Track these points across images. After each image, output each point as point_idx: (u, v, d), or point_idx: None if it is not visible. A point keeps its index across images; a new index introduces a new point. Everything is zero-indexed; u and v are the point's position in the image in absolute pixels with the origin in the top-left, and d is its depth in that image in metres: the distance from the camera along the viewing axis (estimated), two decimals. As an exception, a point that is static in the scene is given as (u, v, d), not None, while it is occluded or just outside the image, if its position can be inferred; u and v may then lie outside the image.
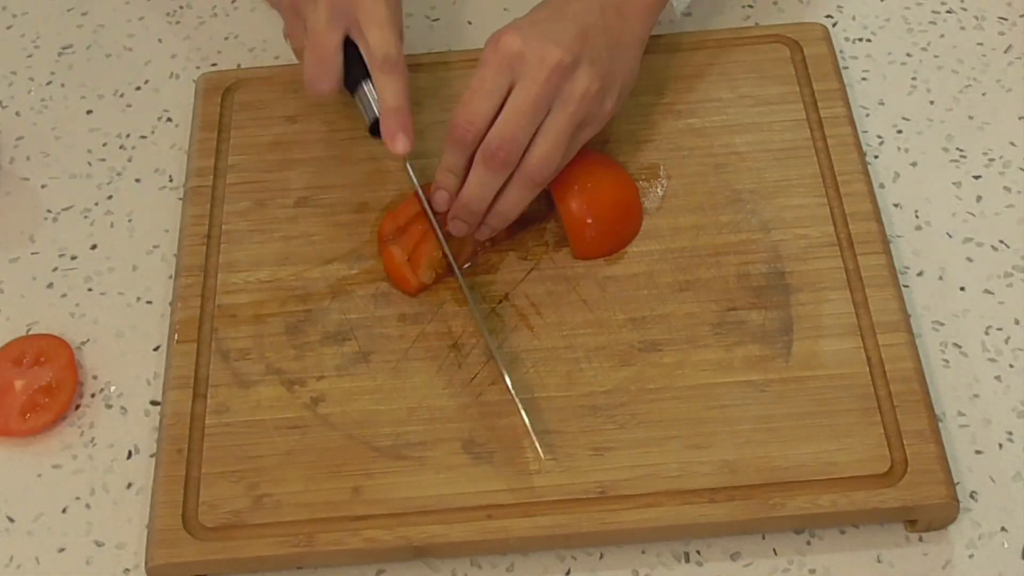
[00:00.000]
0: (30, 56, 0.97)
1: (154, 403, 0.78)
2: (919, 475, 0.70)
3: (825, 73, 0.87)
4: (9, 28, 0.99)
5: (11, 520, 0.75)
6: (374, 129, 0.79)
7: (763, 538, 0.72)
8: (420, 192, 0.79)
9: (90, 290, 0.84)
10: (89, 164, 0.90)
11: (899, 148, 0.87)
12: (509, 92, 0.73)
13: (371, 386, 0.75)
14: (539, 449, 0.71)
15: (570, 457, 0.72)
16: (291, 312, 0.79)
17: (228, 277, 0.80)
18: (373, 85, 0.78)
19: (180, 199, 0.86)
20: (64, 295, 0.84)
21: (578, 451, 0.72)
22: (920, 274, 0.81)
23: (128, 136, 0.92)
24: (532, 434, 0.71)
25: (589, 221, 0.78)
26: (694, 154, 0.84)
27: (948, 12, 0.94)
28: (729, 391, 0.74)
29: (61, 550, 0.74)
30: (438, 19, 0.97)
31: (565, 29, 0.74)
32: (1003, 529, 0.71)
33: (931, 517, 0.70)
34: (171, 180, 0.89)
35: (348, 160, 0.86)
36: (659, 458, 0.71)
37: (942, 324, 0.79)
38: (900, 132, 0.88)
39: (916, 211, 0.84)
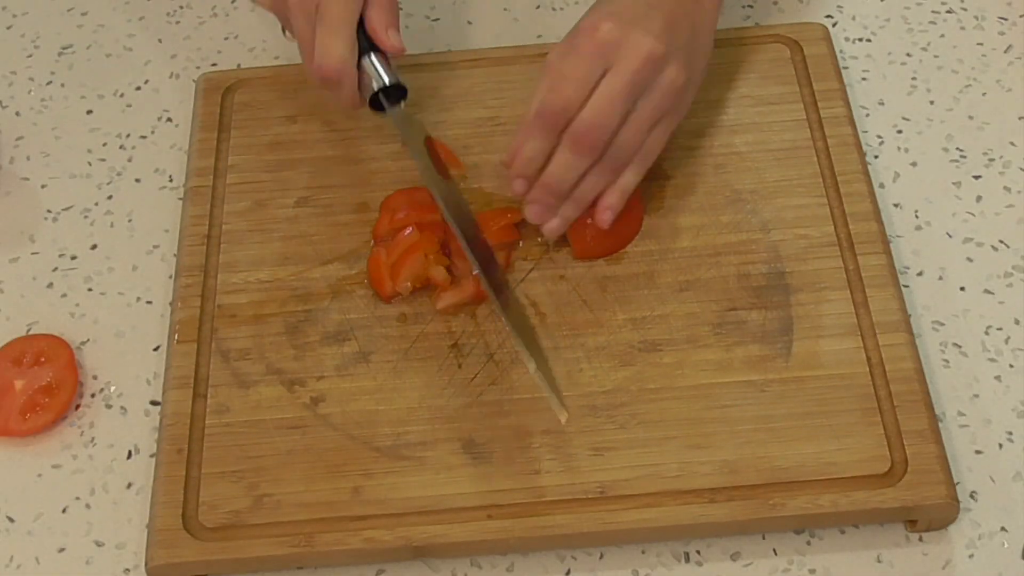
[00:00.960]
0: (30, 56, 0.97)
1: (154, 403, 0.78)
2: (919, 475, 0.70)
3: (825, 73, 0.87)
4: (9, 28, 0.99)
5: (11, 520, 0.75)
6: (374, 101, 0.79)
7: (763, 538, 0.72)
8: (447, 215, 0.77)
9: (90, 290, 0.84)
10: (89, 164, 0.90)
11: (899, 148, 0.87)
12: (599, 80, 0.73)
13: (371, 386, 0.75)
14: (562, 408, 0.69)
15: (570, 457, 0.72)
16: (291, 312, 0.79)
17: (228, 277, 0.80)
18: (373, 59, 0.77)
19: (180, 199, 0.86)
20: (64, 295, 0.84)
21: (578, 451, 0.72)
22: (920, 274, 0.81)
23: (128, 136, 0.92)
24: (555, 396, 0.70)
25: (589, 221, 0.78)
26: (694, 154, 0.84)
27: (948, 12, 0.94)
28: (729, 391, 0.74)
29: (61, 550, 0.74)
30: (438, 19, 0.97)
31: (656, 18, 0.74)
32: (1003, 529, 0.71)
33: (931, 517, 0.70)
34: (171, 180, 0.89)
35: (348, 160, 0.86)
36: (659, 458, 0.71)
37: (942, 324, 0.79)
38: (900, 132, 0.88)
39: (916, 211, 0.84)
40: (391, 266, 0.78)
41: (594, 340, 0.76)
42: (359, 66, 0.78)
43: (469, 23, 0.97)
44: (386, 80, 0.78)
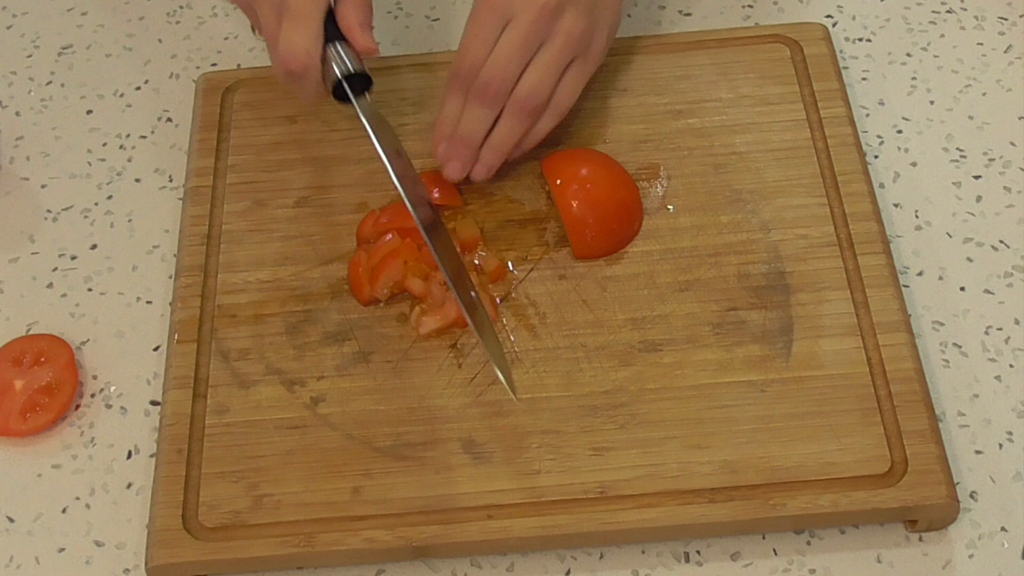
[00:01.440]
0: (30, 56, 0.97)
1: (154, 403, 0.78)
2: (919, 475, 0.70)
3: (825, 73, 0.87)
4: (9, 28, 0.99)
5: (11, 520, 0.75)
6: (337, 91, 0.77)
7: (763, 538, 0.72)
8: (420, 226, 0.76)
9: (90, 290, 0.84)
10: (89, 164, 0.90)
11: (899, 148, 0.87)
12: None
13: (371, 386, 0.75)
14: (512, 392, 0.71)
15: (570, 457, 0.72)
16: (291, 312, 0.79)
17: (228, 277, 0.80)
18: (338, 48, 0.76)
19: (180, 199, 0.86)
20: (64, 295, 0.84)
21: (578, 451, 0.72)
22: (920, 274, 0.81)
23: (128, 136, 0.92)
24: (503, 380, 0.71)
25: (589, 221, 0.78)
26: (694, 154, 0.84)
27: (948, 12, 0.94)
28: (729, 391, 0.74)
29: (61, 550, 0.74)
30: (438, 19, 0.97)
31: None
32: (1003, 529, 0.71)
33: (931, 517, 0.70)
34: (171, 180, 0.89)
35: (348, 160, 0.86)
36: (659, 458, 0.71)
37: (942, 324, 0.79)
38: (900, 132, 0.88)
39: (916, 211, 0.84)
40: (370, 271, 0.78)
41: (594, 340, 0.76)
42: (323, 58, 0.77)
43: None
44: (351, 67, 0.76)
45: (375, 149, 0.77)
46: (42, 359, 0.79)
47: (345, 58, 0.76)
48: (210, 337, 0.78)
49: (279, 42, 0.75)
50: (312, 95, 0.78)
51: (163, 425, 0.75)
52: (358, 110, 0.77)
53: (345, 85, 0.76)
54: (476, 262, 0.79)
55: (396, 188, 0.76)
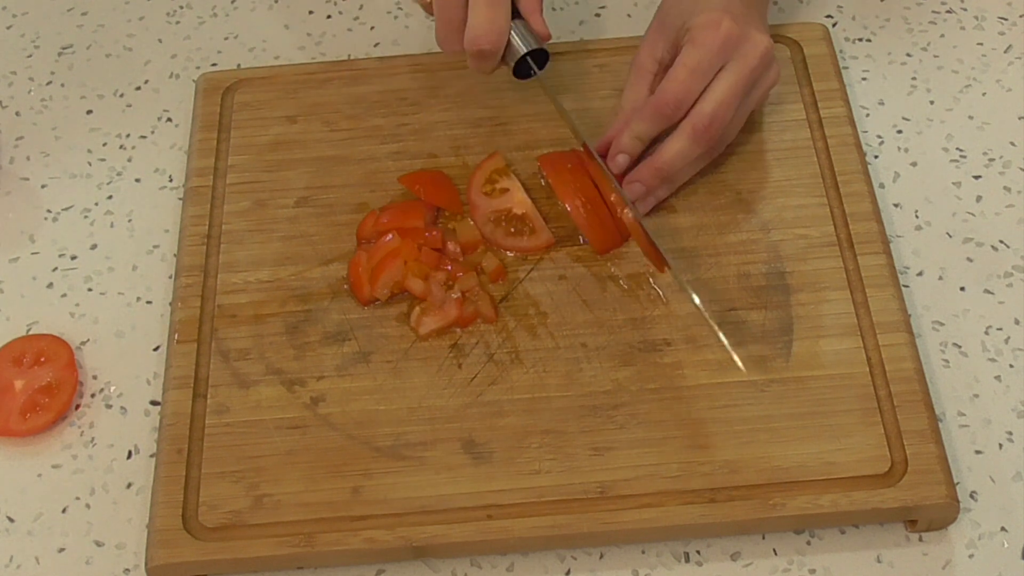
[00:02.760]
0: (30, 56, 0.97)
1: (154, 403, 0.78)
2: (919, 475, 0.70)
3: (825, 73, 0.87)
4: (9, 28, 0.99)
5: (11, 520, 0.75)
6: (519, 69, 0.80)
7: (763, 538, 0.72)
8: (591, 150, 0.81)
9: (90, 290, 0.84)
10: (89, 164, 0.90)
11: (899, 148, 0.87)
12: (716, 75, 0.77)
13: (371, 386, 0.75)
14: (738, 363, 0.74)
15: (570, 457, 0.72)
16: (291, 312, 0.79)
17: (228, 277, 0.80)
18: (519, 26, 0.79)
19: (180, 199, 0.86)
20: (64, 295, 0.84)
21: (578, 451, 0.72)
22: (920, 274, 0.81)
23: (128, 136, 0.92)
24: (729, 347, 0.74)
25: (599, 213, 0.80)
26: (694, 154, 0.84)
27: (948, 12, 0.94)
28: (729, 391, 0.74)
29: (61, 550, 0.74)
30: (438, 19, 0.97)
31: (757, 16, 0.80)
32: (1003, 529, 0.71)
33: (931, 517, 0.70)
34: (171, 180, 0.89)
35: (348, 160, 0.86)
36: (659, 458, 0.71)
37: (942, 324, 0.79)
38: (900, 132, 0.88)
39: (916, 211, 0.84)
40: (370, 271, 0.78)
41: (594, 340, 0.76)
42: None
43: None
44: (533, 44, 0.79)
45: (561, 113, 0.83)
46: (42, 359, 0.79)
47: (528, 36, 0.79)
48: (210, 337, 0.78)
49: (472, 21, 0.77)
50: (491, 70, 0.80)
51: (163, 425, 0.75)
52: (541, 83, 0.82)
53: (530, 60, 0.80)
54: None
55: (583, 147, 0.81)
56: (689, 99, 0.76)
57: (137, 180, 0.89)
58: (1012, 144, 0.87)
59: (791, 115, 0.85)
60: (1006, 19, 0.94)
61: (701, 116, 0.76)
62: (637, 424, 0.73)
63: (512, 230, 0.80)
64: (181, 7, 0.99)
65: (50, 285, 0.84)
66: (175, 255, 0.83)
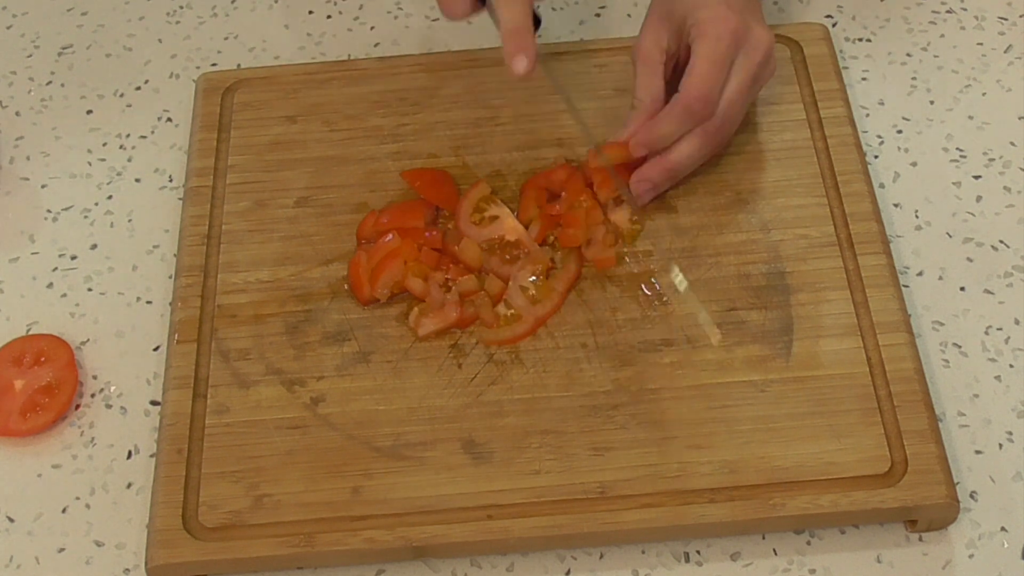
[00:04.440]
0: (30, 56, 0.97)
1: (154, 403, 0.78)
2: (919, 475, 0.70)
3: (825, 73, 0.87)
4: (9, 28, 0.99)
5: (11, 520, 0.75)
6: None
7: (763, 538, 0.72)
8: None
9: (90, 290, 0.84)
10: (89, 164, 0.90)
11: (899, 148, 0.87)
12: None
13: (371, 386, 0.75)
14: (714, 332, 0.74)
15: (570, 457, 0.72)
16: (291, 312, 0.79)
17: (228, 277, 0.80)
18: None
19: (180, 199, 0.86)
20: (64, 295, 0.84)
21: (578, 451, 0.72)
22: (920, 274, 0.81)
23: (128, 136, 0.92)
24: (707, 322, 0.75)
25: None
26: (694, 154, 0.84)
27: (948, 12, 0.94)
28: (729, 391, 0.74)
29: (61, 550, 0.74)
30: (438, 19, 0.97)
31: (757, 9, 0.80)
32: (1003, 529, 0.71)
33: (931, 517, 0.70)
34: (171, 180, 0.89)
35: (348, 160, 0.86)
36: (659, 458, 0.71)
37: (942, 324, 0.79)
38: (900, 132, 0.88)
39: (916, 211, 0.84)
40: (370, 271, 0.78)
41: (594, 340, 0.76)
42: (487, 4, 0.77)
43: (469, 23, 0.96)
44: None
45: (571, 110, 0.82)
46: (42, 359, 0.79)
47: None
48: (210, 337, 0.78)
49: None
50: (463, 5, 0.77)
51: (163, 425, 0.75)
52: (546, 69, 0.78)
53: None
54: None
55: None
56: (715, 93, 0.76)
57: (137, 180, 0.89)
58: (1012, 144, 0.87)
59: (791, 115, 0.85)
60: (1006, 19, 0.94)
61: (715, 118, 0.77)
62: (637, 424, 0.73)
63: (507, 257, 0.79)
64: (181, 7, 0.99)
65: (50, 285, 0.84)
66: (175, 255, 0.83)
